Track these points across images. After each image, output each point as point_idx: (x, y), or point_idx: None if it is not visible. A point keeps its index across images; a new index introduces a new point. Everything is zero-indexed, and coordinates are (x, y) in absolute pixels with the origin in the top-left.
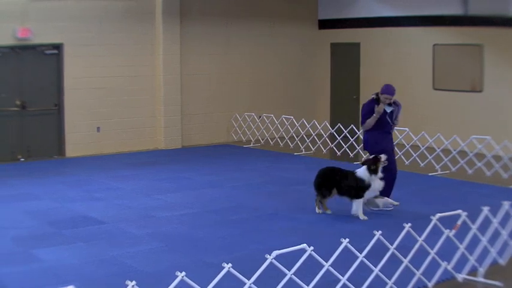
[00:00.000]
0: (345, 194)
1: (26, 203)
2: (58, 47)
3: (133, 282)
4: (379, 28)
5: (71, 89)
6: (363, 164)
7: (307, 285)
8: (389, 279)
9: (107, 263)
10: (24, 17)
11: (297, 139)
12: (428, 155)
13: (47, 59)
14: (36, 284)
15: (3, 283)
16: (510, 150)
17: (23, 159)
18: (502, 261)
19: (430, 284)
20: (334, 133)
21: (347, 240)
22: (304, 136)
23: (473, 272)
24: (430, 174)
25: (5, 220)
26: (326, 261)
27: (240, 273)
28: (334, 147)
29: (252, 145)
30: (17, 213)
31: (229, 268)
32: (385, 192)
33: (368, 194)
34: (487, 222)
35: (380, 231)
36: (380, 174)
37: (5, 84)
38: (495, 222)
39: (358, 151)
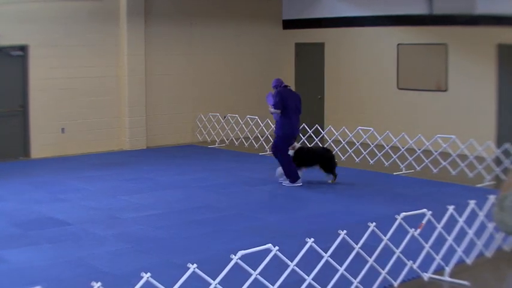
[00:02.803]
0: None
1: None
2: (23, 48)
3: (99, 284)
4: (343, 28)
5: (36, 90)
6: None
7: (273, 285)
8: (355, 279)
9: (73, 264)
10: None
11: (261, 139)
12: (392, 155)
13: (12, 60)
14: (2, 285)
15: None
16: (475, 149)
17: None
18: (468, 261)
19: (395, 283)
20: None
21: (312, 240)
22: (269, 136)
23: (439, 271)
24: (394, 173)
25: None
26: (291, 261)
27: (205, 274)
28: None
29: (217, 145)
30: None
31: (194, 268)
32: None
33: None
34: (452, 221)
35: (345, 231)
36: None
37: None
38: (461, 221)
39: None
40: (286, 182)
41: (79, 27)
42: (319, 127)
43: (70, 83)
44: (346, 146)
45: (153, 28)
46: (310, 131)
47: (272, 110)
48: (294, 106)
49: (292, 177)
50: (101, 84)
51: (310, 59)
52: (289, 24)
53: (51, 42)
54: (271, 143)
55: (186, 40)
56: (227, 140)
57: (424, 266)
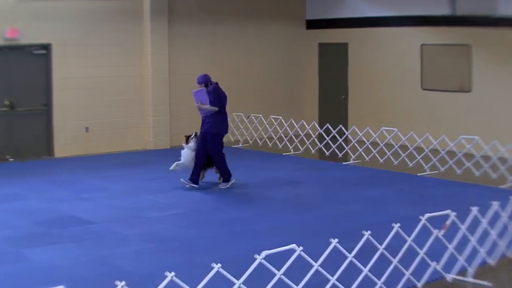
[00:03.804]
0: None
1: (15, 203)
2: (46, 47)
3: (123, 283)
4: (367, 28)
5: (59, 89)
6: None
7: (297, 285)
8: (379, 279)
9: (96, 263)
10: (12, 17)
11: (285, 139)
12: (416, 155)
13: (35, 59)
14: (25, 284)
15: None
16: (498, 150)
17: (11, 159)
18: (491, 261)
19: (419, 284)
20: (323, 133)
21: (336, 240)
22: (293, 136)
23: (462, 272)
24: (418, 174)
25: None
26: (315, 261)
27: (229, 274)
28: (323, 147)
29: (240, 145)
30: (5, 214)
31: (218, 268)
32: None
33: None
34: (476, 222)
35: (369, 231)
36: (191, 146)
37: None
38: (484, 222)
39: (347, 151)
40: (223, 185)
41: (103, 27)
42: (343, 127)
43: (94, 82)
44: (370, 146)
45: (176, 28)
46: (334, 131)
47: (208, 107)
48: (225, 104)
49: (229, 175)
50: (125, 83)
51: (333, 59)
52: (312, 24)
53: (75, 41)
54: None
55: (209, 39)
56: (251, 139)
57: (448, 267)
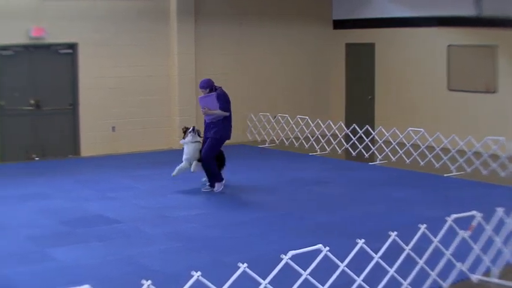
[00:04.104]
0: None
1: (41, 202)
2: (73, 46)
3: (149, 282)
4: (393, 28)
5: (86, 88)
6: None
7: (323, 285)
8: (405, 280)
9: (122, 262)
10: (38, 16)
11: (312, 139)
12: (443, 156)
13: (61, 58)
14: (51, 283)
15: (18, 282)
16: None
17: (37, 159)
18: None
19: (445, 285)
20: (349, 133)
21: (363, 240)
22: (319, 136)
23: (487, 272)
24: (445, 175)
25: (20, 219)
26: (341, 262)
27: (255, 273)
28: (349, 148)
29: (267, 145)
30: (31, 213)
31: (244, 268)
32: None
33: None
34: (501, 223)
35: (395, 232)
36: (188, 139)
37: (19, 83)
38: (509, 223)
39: (374, 152)
40: (215, 188)
41: (129, 26)
42: (369, 128)
43: (120, 82)
44: (396, 147)
45: (202, 27)
46: (360, 132)
47: (219, 112)
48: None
49: (220, 178)
50: (151, 83)
51: (360, 59)
52: (339, 24)
53: (101, 40)
54: (206, 147)
55: (235, 39)
56: (277, 139)
57: (473, 268)
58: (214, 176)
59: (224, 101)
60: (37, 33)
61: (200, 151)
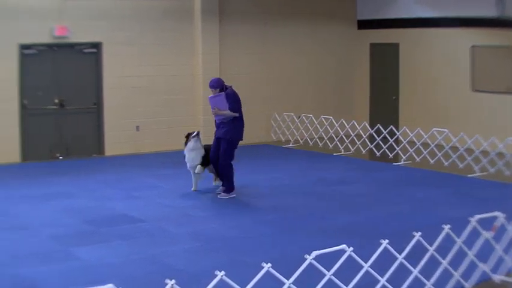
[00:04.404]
0: None
1: (65, 201)
2: (97, 45)
3: (173, 281)
4: (418, 29)
5: (110, 87)
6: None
7: (346, 286)
8: (428, 280)
9: (145, 261)
10: (61, 16)
11: (336, 139)
12: (467, 156)
13: (85, 57)
14: (74, 282)
15: (41, 282)
16: None
17: (61, 158)
18: None
19: (467, 285)
20: (374, 134)
21: (386, 241)
22: (344, 136)
23: (510, 273)
24: (468, 175)
25: (44, 218)
26: (364, 262)
27: (278, 273)
28: (374, 148)
29: (291, 145)
30: (55, 212)
31: (268, 268)
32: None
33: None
34: None
35: (419, 233)
36: (188, 146)
37: (43, 83)
38: None
39: (398, 152)
40: (223, 195)
41: (153, 26)
42: (393, 128)
43: (144, 81)
44: (420, 147)
45: (227, 27)
46: (385, 132)
47: (228, 113)
48: (241, 109)
49: (232, 186)
50: (176, 82)
51: (384, 59)
52: (364, 24)
53: (125, 40)
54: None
55: (260, 39)
56: (301, 139)
57: (495, 268)
58: (228, 182)
59: (234, 101)
60: (60, 33)
61: (204, 156)
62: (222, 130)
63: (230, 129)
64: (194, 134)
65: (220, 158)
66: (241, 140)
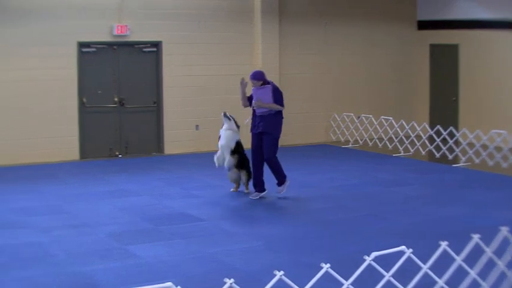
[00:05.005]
0: None
1: (123, 199)
2: (157, 45)
3: (232, 280)
4: (477, 30)
5: (169, 86)
6: None
7: (405, 287)
8: (485, 283)
9: (204, 260)
10: (122, 14)
11: (395, 140)
12: None
13: (145, 56)
14: (132, 280)
15: (99, 279)
16: None
17: (120, 156)
18: None
19: None
20: (433, 135)
21: (446, 243)
22: (403, 137)
23: None
24: None
25: (102, 216)
26: (424, 263)
27: (337, 274)
28: (433, 149)
29: (350, 145)
30: (113, 210)
31: (327, 268)
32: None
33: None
34: None
35: (478, 235)
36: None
37: (102, 81)
38: None
39: (457, 153)
40: (280, 188)
41: (213, 25)
42: (453, 129)
43: (204, 80)
44: (480, 149)
45: (287, 27)
46: (444, 133)
47: (273, 105)
48: None
49: (284, 176)
50: (235, 82)
51: (444, 60)
52: (424, 25)
53: (185, 39)
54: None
55: (319, 39)
56: (360, 140)
57: None
58: (278, 175)
59: (279, 94)
60: (120, 31)
61: (237, 142)
62: (264, 125)
63: (272, 123)
64: (222, 114)
65: (265, 153)
66: (280, 134)
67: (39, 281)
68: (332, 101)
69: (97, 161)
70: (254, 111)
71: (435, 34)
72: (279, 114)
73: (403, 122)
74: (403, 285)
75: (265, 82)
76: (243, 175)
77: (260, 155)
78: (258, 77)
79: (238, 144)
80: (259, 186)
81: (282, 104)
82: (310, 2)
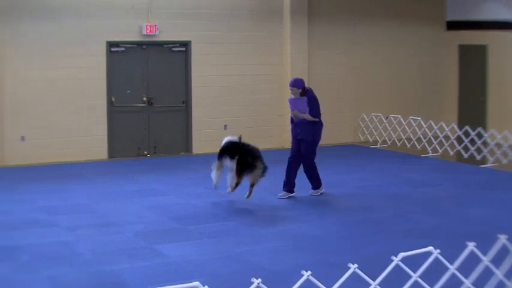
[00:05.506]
0: None
1: (151, 198)
2: (186, 44)
3: (259, 280)
4: (507, 31)
5: (198, 86)
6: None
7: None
8: None
9: (231, 259)
10: (151, 14)
11: (424, 140)
12: None
13: (174, 56)
14: (159, 280)
15: (126, 278)
16: None
17: (149, 155)
18: None
19: None
20: (462, 135)
21: (473, 243)
22: (432, 138)
23: None
24: None
25: (130, 215)
26: (451, 264)
27: (364, 274)
28: (461, 150)
29: (378, 146)
30: (141, 209)
31: (355, 268)
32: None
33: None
34: None
35: (505, 236)
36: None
37: (131, 80)
38: None
39: (485, 154)
40: (313, 191)
41: (242, 25)
42: (481, 130)
43: (232, 80)
44: (508, 149)
45: (316, 27)
46: (472, 134)
47: (308, 117)
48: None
49: (319, 182)
50: (264, 82)
51: (473, 61)
52: (453, 26)
53: (214, 39)
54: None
55: (348, 40)
56: (389, 140)
57: None
58: (315, 180)
59: (314, 105)
60: (149, 31)
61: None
62: (302, 131)
63: (310, 130)
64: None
65: (302, 159)
66: (320, 139)
67: (66, 280)
68: (360, 101)
69: (125, 160)
70: (292, 119)
71: (464, 34)
72: (317, 122)
73: (432, 123)
74: (430, 286)
75: (304, 90)
76: (239, 178)
77: (298, 159)
78: (298, 85)
79: (237, 147)
80: (289, 187)
81: (316, 116)
82: (339, 2)
